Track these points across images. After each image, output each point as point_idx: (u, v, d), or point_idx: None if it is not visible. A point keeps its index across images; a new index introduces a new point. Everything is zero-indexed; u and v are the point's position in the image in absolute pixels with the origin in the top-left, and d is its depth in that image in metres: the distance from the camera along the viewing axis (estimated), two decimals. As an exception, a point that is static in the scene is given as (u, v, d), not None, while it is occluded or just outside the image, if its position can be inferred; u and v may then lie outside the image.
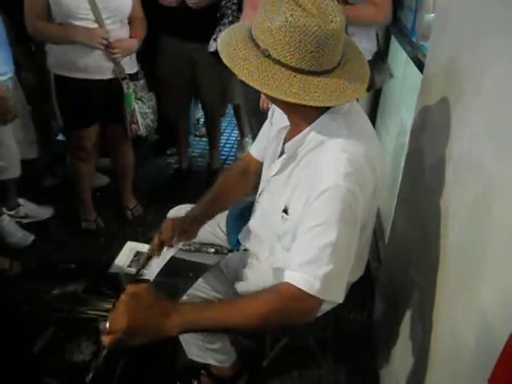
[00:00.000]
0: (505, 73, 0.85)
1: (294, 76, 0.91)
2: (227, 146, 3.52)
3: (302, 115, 1.02)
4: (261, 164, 1.35)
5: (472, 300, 0.88)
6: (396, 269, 1.63)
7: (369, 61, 1.92)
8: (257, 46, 0.92)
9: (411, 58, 1.88)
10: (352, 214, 0.96)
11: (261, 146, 1.35)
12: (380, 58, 2.09)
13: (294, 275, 0.95)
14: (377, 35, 2.08)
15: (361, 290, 1.34)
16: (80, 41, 1.89)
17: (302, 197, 1.01)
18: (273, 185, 1.17)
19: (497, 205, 0.83)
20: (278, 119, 1.20)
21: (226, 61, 0.94)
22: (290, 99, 0.91)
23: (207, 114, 2.89)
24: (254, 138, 2.31)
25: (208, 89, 2.60)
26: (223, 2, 2.22)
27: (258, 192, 1.28)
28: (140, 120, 2.15)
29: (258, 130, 1.41)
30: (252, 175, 1.40)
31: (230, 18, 2.20)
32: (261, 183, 1.29)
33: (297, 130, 1.05)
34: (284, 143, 1.15)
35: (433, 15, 1.52)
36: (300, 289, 0.94)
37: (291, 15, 0.87)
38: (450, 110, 1.14)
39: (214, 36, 2.22)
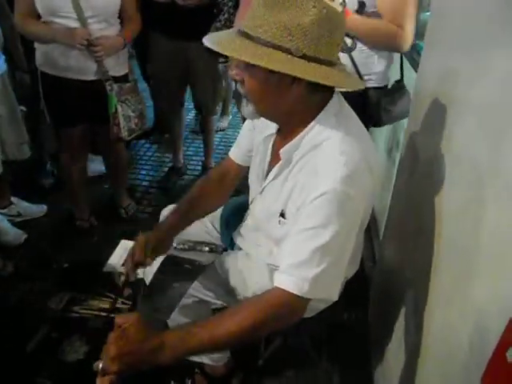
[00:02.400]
0: (500, 72, 0.85)
1: (330, 70, 0.93)
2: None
3: (298, 119, 1.01)
4: (242, 168, 1.35)
5: (465, 299, 0.88)
6: (390, 268, 1.63)
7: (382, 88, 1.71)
8: (277, 47, 0.88)
9: (406, 57, 1.88)
10: (348, 218, 0.96)
11: (242, 150, 1.33)
12: (401, 87, 1.75)
13: (283, 279, 0.95)
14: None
15: (355, 290, 1.34)
16: (60, 41, 1.85)
17: (298, 199, 1.01)
18: (268, 191, 1.16)
19: (490, 205, 0.83)
20: (261, 127, 1.19)
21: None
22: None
23: (200, 113, 2.89)
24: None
25: (200, 87, 2.59)
26: None
27: (250, 199, 1.28)
28: (122, 123, 2.09)
29: None
30: (231, 180, 1.38)
31: (226, 15, 2.20)
32: (251, 191, 1.27)
33: (290, 135, 1.05)
34: (273, 150, 1.14)
35: (428, 14, 1.52)
36: (289, 292, 0.94)
37: (323, 7, 0.87)
38: (444, 108, 1.14)
39: (210, 32, 2.21)
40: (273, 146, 1.15)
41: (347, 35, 1.54)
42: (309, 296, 0.95)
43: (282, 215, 1.09)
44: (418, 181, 1.34)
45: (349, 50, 1.57)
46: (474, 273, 0.86)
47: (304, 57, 0.89)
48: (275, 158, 1.12)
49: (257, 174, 1.21)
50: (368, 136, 1.08)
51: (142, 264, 1.22)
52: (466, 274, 0.89)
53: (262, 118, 1.09)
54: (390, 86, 1.73)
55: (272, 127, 1.13)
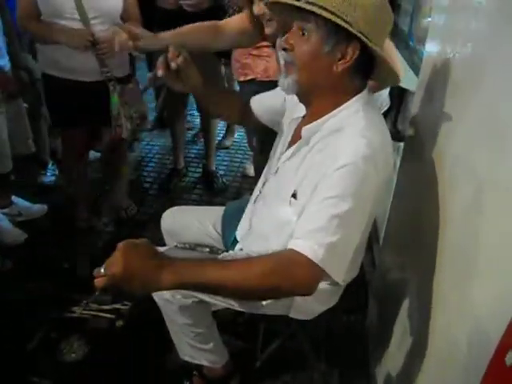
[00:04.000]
0: (500, 78, 0.85)
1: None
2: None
3: (329, 101, 1.04)
4: (252, 115, 1.39)
5: (464, 303, 0.88)
6: (390, 272, 1.63)
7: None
8: (339, 16, 0.93)
9: (408, 62, 1.88)
10: (366, 194, 0.97)
11: (262, 104, 1.38)
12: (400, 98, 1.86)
13: (298, 242, 0.94)
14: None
15: (355, 293, 1.35)
16: (62, 42, 1.86)
17: (315, 176, 1.00)
18: (283, 171, 1.17)
19: (489, 208, 0.83)
20: (291, 106, 1.22)
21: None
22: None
23: (203, 116, 2.89)
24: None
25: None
26: (226, 0, 2.23)
27: (261, 184, 1.29)
28: (124, 123, 2.10)
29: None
30: (248, 114, 1.40)
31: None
32: (264, 173, 1.30)
33: (315, 117, 1.07)
34: (295, 132, 1.17)
35: (429, 19, 1.52)
36: (303, 255, 0.92)
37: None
38: (444, 113, 1.15)
39: None
40: (296, 128, 1.17)
41: None
42: (321, 263, 0.92)
43: (294, 195, 1.08)
44: (417, 185, 1.34)
45: None
46: (473, 276, 0.86)
47: (360, 32, 0.94)
48: (295, 138, 1.14)
49: (275, 154, 1.24)
50: (387, 130, 1.09)
51: (174, 60, 1.19)
52: (466, 277, 0.89)
53: (294, 99, 1.12)
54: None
55: (300, 110, 1.15)
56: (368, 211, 1.01)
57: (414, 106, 1.56)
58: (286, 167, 1.16)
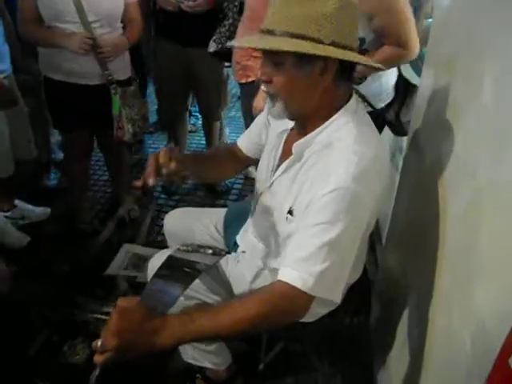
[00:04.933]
0: (501, 81, 0.85)
1: (355, 54, 0.97)
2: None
3: (319, 115, 1.03)
4: (247, 158, 1.36)
5: (467, 303, 0.87)
6: (393, 273, 1.62)
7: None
8: (306, 37, 0.91)
9: (410, 64, 1.88)
10: (357, 217, 0.96)
11: (251, 142, 1.35)
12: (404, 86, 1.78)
13: (287, 272, 0.95)
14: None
15: (358, 294, 1.34)
16: (63, 46, 1.86)
17: (306, 197, 1.00)
18: (276, 186, 1.16)
19: (491, 210, 0.83)
20: (275, 123, 1.20)
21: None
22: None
23: (204, 119, 2.90)
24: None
25: (205, 92, 2.61)
26: (225, 4, 2.24)
27: (257, 193, 1.28)
28: (126, 126, 2.11)
29: None
30: (239, 162, 1.40)
31: (231, 20, 2.22)
32: (257, 185, 1.28)
33: (304, 131, 1.06)
34: (285, 146, 1.15)
35: (431, 20, 1.52)
36: (293, 286, 0.93)
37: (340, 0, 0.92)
38: (446, 116, 1.14)
39: (214, 37, 2.23)
40: (285, 141, 1.16)
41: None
42: (312, 292, 0.94)
43: (290, 212, 1.08)
44: (420, 186, 1.34)
45: (359, 82, 1.60)
46: (476, 277, 0.85)
47: (333, 43, 0.92)
48: (286, 152, 1.13)
49: (267, 167, 1.21)
50: (379, 139, 1.09)
51: (166, 166, 1.09)
52: (469, 278, 0.89)
53: None
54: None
55: (287, 123, 1.14)
56: (363, 227, 1.00)
57: (416, 107, 1.56)
58: (279, 183, 1.14)
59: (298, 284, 0.93)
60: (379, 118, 1.67)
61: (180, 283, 1.13)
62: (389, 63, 1.56)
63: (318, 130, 1.03)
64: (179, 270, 1.19)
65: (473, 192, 0.92)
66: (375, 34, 1.53)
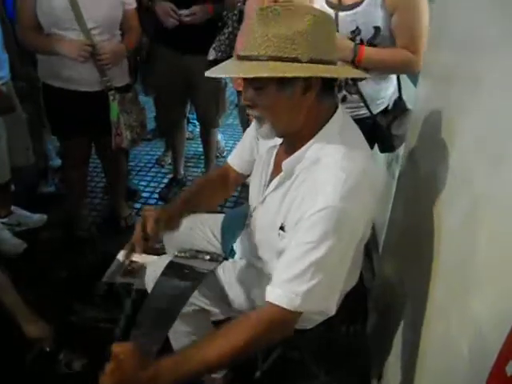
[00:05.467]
0: (498, 89, 0.86)
1: (335, 67, 0.98)
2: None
3: (305, 132, 1.03)
4: (241, 175, 1.37)
5: (464, 311, 0.88)
6: (389, 281, 1.63)
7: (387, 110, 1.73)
8: (284, 58, 0.90)
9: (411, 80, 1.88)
10: (346, 235, 0.96)
11: (242, 158, 1.35)
12: (402, 107, 1.73)
13: (275, 294, 0.96)
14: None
15: (354, 301, 1.34)
16: (62, 53, 1.87)
17: (296, 214, 1.01)
18: (269, 202, 1.16)
19: (487, 219, 0.84)
20: (264, 142, 1.20)
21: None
22: None
23: (202, 126, 2.90)
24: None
25: (203, 101, 2.62)
26: (225, 12, 2.25)
27: (251, 208, 1.28)
28: (124, 133, 2.12)
29: None
30: (231, 184, 1.41)
31: (230, 29, 2.24)
32: (251, 199, 1.28)
33: (293, 147, 1.06)
34: (276, 161, 1.15)
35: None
36: (280, 307, 0.94)
37: (315, 13, 0.92)
38: (442, 124, 1.16)
39: (214, 45, 2.25)
40: (276, 156, 1.16)
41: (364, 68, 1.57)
42: (300, 309, 0.95)
43: (282, 228, 1.09)
44: (417, 195, 1.35)
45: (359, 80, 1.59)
46: (473, 285, 0.86)
47: (311, 61, 0.92)
48: (277, 168, 1.13)
49: (259, 183, 1.22)
50: (369, 151, 1.09)
51: (152, 236, 1.15)
52: (465, 286, 0.89)
53: None
54: (390, 106, 1.74)
55: (276, 139, 1.14)
56: (354, 242, 1.01)
57: (412, 115, 1.57)
58: (271, 198, 1.14)
59: (285, 304, 0.94)
60: (374, 125, 1.65)
61: (181, 294, 1.14)
62: (394, 63, 1.54)
63: (306, 146, 1.03)
64: (180, 279, 1.20)
65: (469, 202, 0.93)
66: (391, 33, 1.52)
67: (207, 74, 1.00)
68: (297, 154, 1.04)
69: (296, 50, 0.90)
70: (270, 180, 1.16)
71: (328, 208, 0.92)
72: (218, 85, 2.57)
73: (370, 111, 1.63)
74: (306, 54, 0.91)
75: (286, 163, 1.06)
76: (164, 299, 1.17)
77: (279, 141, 1.14)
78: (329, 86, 1.00)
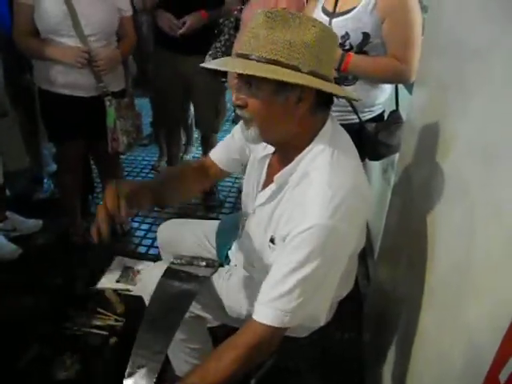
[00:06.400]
0: (490, 96, 0.87)
1: (332, 84, 0.98)
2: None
3: (296, 143, 1.02)
4: (222, 172, 1.33)
5: (458, 319, 0.88)
6: (384, 288, 1.63)
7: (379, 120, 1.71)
8: (284, 64, 0.90)
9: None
10: (335, 251, 0.95)
11: (228, 156, 1.31)
12: (396, 117, 1.71)
13: (263, 312, 0.95)
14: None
15: (349, 308, 1.34)
16: (59, 59, 1.87)
17: (284, 229, 1.00)
18: (259, 214, 1.15)
19: (482, 226, 0.84)
20: (256, 148, 1.20)
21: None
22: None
23: (201, 131, 2.91)
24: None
25: (201, 104, 2.62)
26: (221, 20, 2.27)
27: (243, 217, 1.28)
28: (121, 138, 2.12)
29: None
30: (209, 179, 1.35)
31: (227, 36, 2.25)
32: (244, 207, 1.28)
33: (285, 158, 1.05)
34: (268, 171, 1.15)
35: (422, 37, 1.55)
36: (269, 326, 0.94)
37: (322, 27, 0.92)
38: (437, 132, 1.16)
39: (210, 52, 2.26)
40: (268, 166, 1.16)
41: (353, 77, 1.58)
42: (289, 325, 0.95)
43: (272, 241, 1.08)
44: (412, 201, 1.35)
45: (351, 83, 1.60)
46: (466, 293, 0.86)
47: (311, 73, 0.92)
48: (269, 178, 1.12)
49: (251, 192, 1.21)
50: (358, 161, 1.07)
51: (115, 214, 1.02)
52: (459, 294, 0.90)
53: None
54: (385, 117, 1.73)
55: (269, 148, 1.14)
56: (345, 258, 1.00)
57: (407, 122, 1.58)
58: (262, 209, 1.13)
59: (275, 323, 0.94)
60: (361, 131, 1.63)
61: (181, 303, 1.13)
62: (383, 72, 1.53)
63: (296, 160, 1.02)
64: (178, 286, 1.19)
65: (464, 209, 0.93)
66: (381, 41, 1.52)
67: (203, 64, 0.98)
68: (289, 167, 1.03)
69: (298, 58, 0.90)
70: (262, 189, 1.15)
71: (314, 226, 0.91)
72: (217, 89, 2.57)
73: (359, 117, 1.62)
74: (307, 65, 0.91)
75: (278, 177, 1.05)
76: (164, 307, 1.16)
77: (271, 150, 1.14)
78: (322, 101, 0.99)
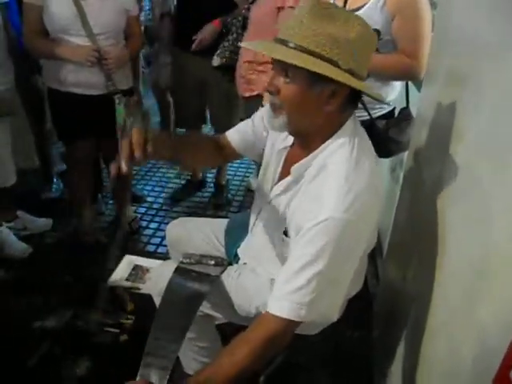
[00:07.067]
0: (500, 91, 0.87)
1: (366, 85, 0.98)
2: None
3: (319, 136, 1.02)
4: (233, 152, 1.32)
5: (469, 317, 0.88)
6: (394, 286, 1.63)
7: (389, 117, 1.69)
8: (325, 58, 0.90)
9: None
10: (349, 246, 0.96)
11: (245, 139, 1.30)
12: (407, 114, 1.69)
13: (278, 306, 0.96)
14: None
15: (359, 306, 1.34)
16: (69, 58, 1.90)
17: (299, 222, 1.00)
18: (274, 206, 1.16)
19: (494, 221, 0.83)
20: (274, 137, 1.20)
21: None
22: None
23: (215, 130, 2.92)
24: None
25: (215, 102, 2.64)
26: (229, 19, 2.27)
27: (257, 210, 1.28)
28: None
29: None
30: (221, 154, 1.33)
31: (235, 35, 2.25)
32: (257, 201, 1.28)
33: (304, 151, 1.05)
34: (285, 163, 1.15)
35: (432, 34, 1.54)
36: (285, 318, 0.94)
37: (367, 27, 0.92)
38: (446, 128, 1.16)
39: (218, 51, 2.27)
40: (286, 158, 1.16)
41: None
42: (305, 320, 0.96)
43: (285, 233, 1.09)
44: (421, 198, 1.35)
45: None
46: (478, 290, 0.86)
47: (349, 70, 0.92)
48: (286, 170, 1.12)
49: (267, 183, 1.21)
50: (374, 159, 1.08)
51: (139, 151, 0.97)
52: (471, 291, 0.89)
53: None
54: (396, 114, 1.72)
55: (288, 140, 1.14)
56: (358, 253, 1.01)
57: (416, 119, 1.58)
58: (278, 201, 1.14)
59: (291, 316, 0.94)
60: (371, 127, 1.63)
61: (192, 302, 1.14)
62: (394, 69, 1.52)
63: (316, 152, 1.02)
64: (189, 286, 1.20)
65: (474, 206, 0.93)
66: (392, 38, 1.51)
67: (244, 44, 0.99)
68: (307, 159, 1.04)
69: (339, 54, 0.90)
70: (278, 181, 1.15)
71: (330, 219, 0.91)
72: (230, 87, 2.58)
73: (369, 113, 1.62)
74: (346, 63, 0.91)
75: (296, 168, 1.06)
76: (175, 308, 1.17)
77: (290, 142, 1.14)
78: (353, 99, 1.00)
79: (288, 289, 0.95)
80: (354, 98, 1.00)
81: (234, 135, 1.32)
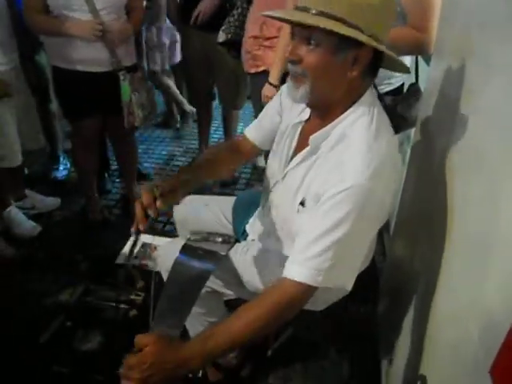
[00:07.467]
0: (510, 65, 0.85)
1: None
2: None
3: (340, 105, 1.02)
4: (256, 149, 1.35)
5: (475, 291, 0.88)
6: (400, 262, 1.63)
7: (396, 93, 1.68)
8: (348, 24, 0.89)
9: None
10: (371, 214, 0.96)
11: (261, 132, 1.33)
12: (416, 91, 1.65)
13: (297, 270, 0.96)
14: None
15: (365, 283, 1.35)
16: (73, 34, 1.89)
17: (319, 191, 1.00)
18: (290, 178, 1.15)
19: (502, 199, 0.83)
20: (289, 115, 1.20)
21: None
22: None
23: (223, 107, 2.91)
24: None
25: (222, 79, 2.62)
26: None
27: (269, 185, 1.28)
28: (136, 111, 2.15)
29: None
30: (242, 155, 1.38)
31: (240, 10, 2.22)
32: (269, 176, 1.28)
33: (321, 123, 1.05)
34: (300, 137, 1.14)
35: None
36: (303, 283, 0.95)
37: None
38: (456, 102, 1.14)
39: (223, 27, 2.23)
40: (300, 133, 1.15)
41: None
42: (322, 285, 0.96)
43: (302, 203, 1.08)
44: (428, 175, 1.34)
45: None
46: (484, 267, 0.86)
47: (372, 36, 0.91)
48: (302, 144, 1.12)
49: (280, 159, 1.21)
50: (393, 132, 1.07)
51: (152, 209, 1.07)
52: (477, 267, 0.89)
53: (295, 105, 1.11)
54: (405, 90, 1.69)
55: (303, 115, 1.14)
56: (378, 223, 1.01)
57: (424, 94, 1.55)
58: (293, 174, 1.13)
59: (309, 281, 0.95)
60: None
61: (198, 278, 1.16)
62: (403, 43, 1.47)
63: (335, 122, 1.02)
64: (195, 262, 1.21)
65: (485, 181, 0.92)
66: (401, 10, 1.47)
67: (266, 13, 0.98)
68: (326, 129, 1.03)
69: (362, 20, 0.90)
70: (293, 156, 1.15)
71: (354, 187, 0.92)
72: (237, 64, 2.56)
73: (377, 89, 1.59)
74: (370, 28, 0.91)
75: (314, 138, 1.05)
76: (182, 283, 1.18)
77: (305, 117, 1.14)
78: (374, 65, 1.00)
79: (307, 255, 0.95)
80: (375, 66, 1.00)
81: (252, 132, 1.35)
